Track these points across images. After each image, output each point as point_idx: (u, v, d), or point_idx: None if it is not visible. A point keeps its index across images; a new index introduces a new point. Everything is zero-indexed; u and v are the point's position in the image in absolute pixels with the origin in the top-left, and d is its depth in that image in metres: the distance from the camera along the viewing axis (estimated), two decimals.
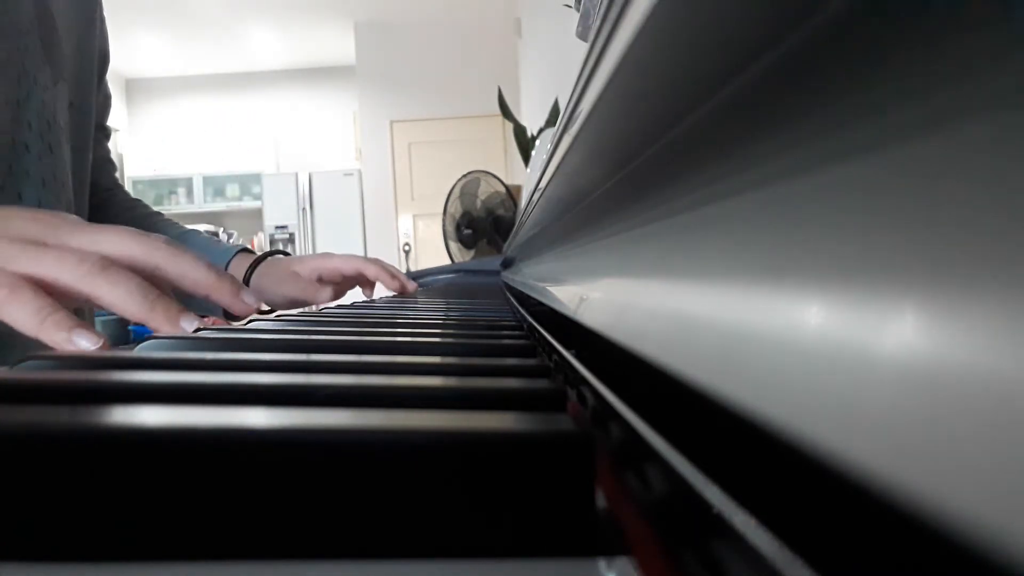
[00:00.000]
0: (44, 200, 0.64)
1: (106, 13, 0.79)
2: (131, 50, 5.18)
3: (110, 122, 0.82)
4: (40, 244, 0.39)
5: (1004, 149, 0.08)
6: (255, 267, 0.77)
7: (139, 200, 0.88)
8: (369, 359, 0.27)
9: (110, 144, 0.85)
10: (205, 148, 6.05)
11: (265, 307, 0.78)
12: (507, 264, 1.41)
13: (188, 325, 0.40)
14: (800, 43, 0.12)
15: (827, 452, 0.10)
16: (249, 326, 0.42)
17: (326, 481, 0.14)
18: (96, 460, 0.13)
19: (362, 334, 0.36)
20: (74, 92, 0.71)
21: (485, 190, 2.57)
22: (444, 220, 2.63)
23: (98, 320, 0.84)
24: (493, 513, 0.14)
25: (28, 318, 0.35)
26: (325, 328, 0.40)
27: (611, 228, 0.34)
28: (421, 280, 2.09)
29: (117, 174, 0.88)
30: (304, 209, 5.62)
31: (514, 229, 1.10)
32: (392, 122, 5.22)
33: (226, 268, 0.77)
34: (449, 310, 0.60)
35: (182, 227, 0.83)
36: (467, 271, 2.13)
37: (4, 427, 0.13)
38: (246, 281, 0.76)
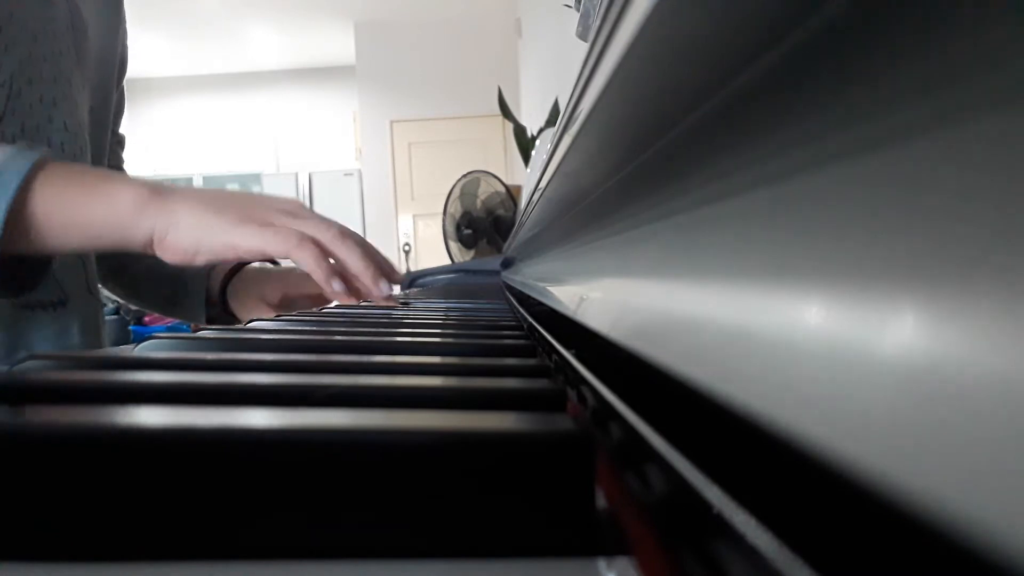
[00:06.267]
0: None
1: None
2: (131, 50, 5.16)
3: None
4: (296, 215, 0.54)
5: (1004, 149, 0.08)
6: (231, 277, 0.75)
7: None
8: (369, 359, 0.27)
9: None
10: (205, 148, 6.05)
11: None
12: (507, 264, 1.41)
13: (385, 287, 0.56)
14: (800, 43, 0.12)
15: (827, 452, 0.10)
16: (249, 326, 0.42)
17: (326, 481, 0.14)
18: (96, 460, 0.13)
19: (362, 334, 0.36)
20: (94, 98, 0.71)
21: (485, 190, 2.57)
22: (444, 220, 2.63)
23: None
24: (493, 513, 0.14)
25: (312, 262, 0.51)
26: (325, 328, 0.40)
27: (611, 228, 0.34)
28: (421, 280, 2.09)
29: None
30: None
31: (514, 229, 1.10)
32: (392, 122, 5.21)
33: (208, 277, 0.75)
34: (449, 310, 0.60)
35: None
36: (467, 271, 2.13)
37: (4, 427, 0.13)
38: (221, 295, 0.74)
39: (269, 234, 0.51)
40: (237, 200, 0.54)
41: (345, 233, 0.55)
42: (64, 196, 0.49)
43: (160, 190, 0.52)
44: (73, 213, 0.49)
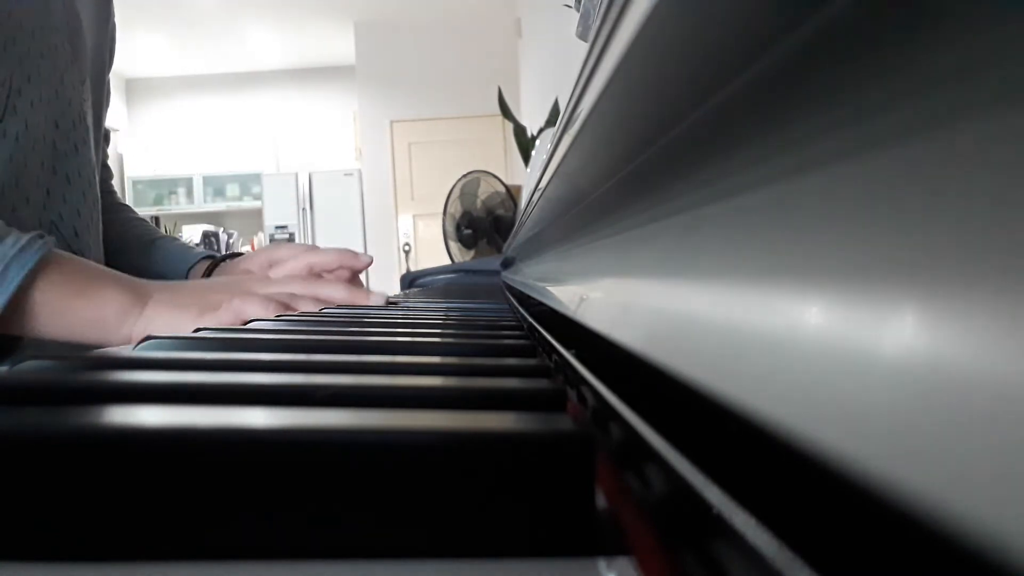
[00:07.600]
0: (70, 197, 0.66)
1: None
2: (131, 50, 5.18)
3: (109, 123, 0.83)
4: (252, 291, 0.60)
5: (1004, 149, 0.08)
6: (211, 272, 0.77)
7: (125, 205, 0.89)
8: (369, 359, 0.27)
9: (109, 148, 0.86)
10: (205, 148, 6.04)
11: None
12: (507, 264, 1.41)
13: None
14: (800, 43, 0.12)
15: (827, 452, 0.10)
16: (249, 326, 0.42)
17: (326, 481, 0.14)
18: (96, 460, 0.13)
19: (362, 334, 0.36)
20: (92, 92, 0.72)
21: (485, 190, 2.57)
22: (444, 220, 2.63)
23: None
24: (493, 513, 0.14)
25: (259, 309, 0.55)
26: (325, 328, 0.40)
27: (611, 228, 0.34)
28: (421, 280, 2.08)
29: (114, 180, 0.89)
30: (304, 209, 5.62)
31: (514, 229, 1.10)
32: (392, 122, 5.21)
33: (187, 276, 0.77)
34: (449, 310, 0.60)
35: (159, 232, 0.86)
36: (467, 271, 2.13)
37: (4, 427, 0.13)
38: None
39: (220, 312, 0.55)
40: (201, 292, 0.60)
41: (296, 296, 0.59)
42: (54, 295, 0.52)
43: (140, 294, 0.56)
44: (60, 313, 0.52)
